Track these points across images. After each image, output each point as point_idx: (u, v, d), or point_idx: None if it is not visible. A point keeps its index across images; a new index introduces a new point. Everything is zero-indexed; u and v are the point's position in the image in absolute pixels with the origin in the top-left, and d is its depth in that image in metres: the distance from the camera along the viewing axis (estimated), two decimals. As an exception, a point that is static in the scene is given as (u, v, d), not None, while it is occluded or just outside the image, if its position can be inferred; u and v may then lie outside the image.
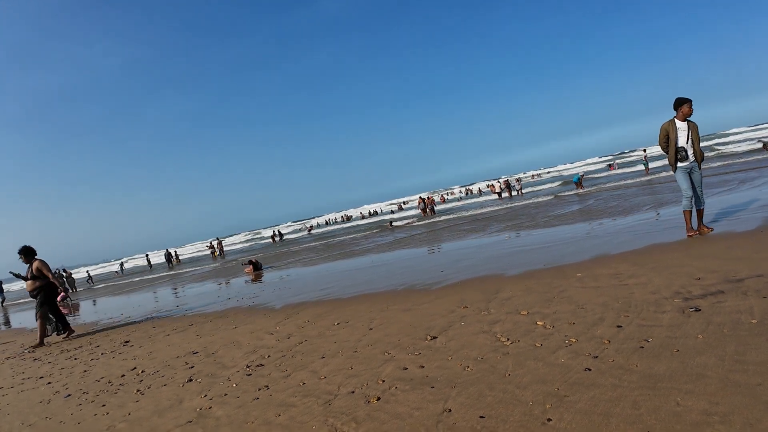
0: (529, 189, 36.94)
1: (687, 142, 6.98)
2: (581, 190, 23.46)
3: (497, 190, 39.61)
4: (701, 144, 8.46)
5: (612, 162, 28.65)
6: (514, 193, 35.49)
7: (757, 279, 4.24)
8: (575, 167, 75.24)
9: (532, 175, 71.00)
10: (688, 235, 6.90)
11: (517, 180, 42.43)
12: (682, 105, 6.92)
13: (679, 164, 7.06)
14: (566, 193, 23.09)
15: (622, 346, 3.35)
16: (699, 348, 3.07)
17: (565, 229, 10.70)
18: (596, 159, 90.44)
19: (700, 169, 7.12)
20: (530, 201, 22.99)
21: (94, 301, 18.42)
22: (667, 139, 7.11)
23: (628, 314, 3.99)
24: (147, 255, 38.90)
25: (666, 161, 35.01)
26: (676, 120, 7.04)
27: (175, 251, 42.96)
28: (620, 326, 3.75)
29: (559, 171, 74.63)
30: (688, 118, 7.00)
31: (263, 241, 57.20)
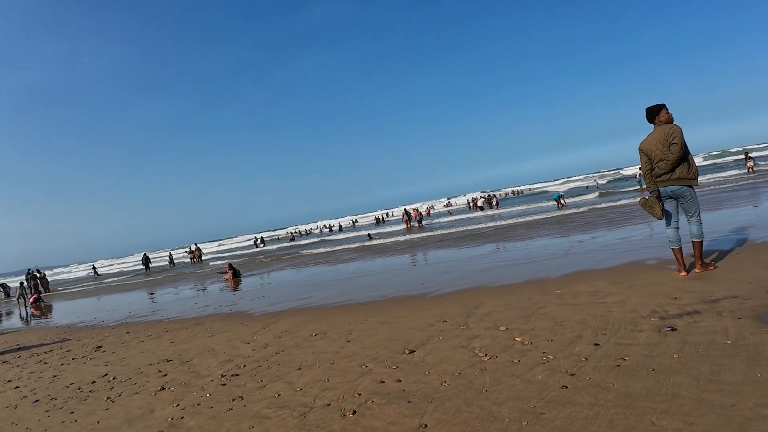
0: (514, 207, 37.21)
1: None
2: (561, 208, 23.71)
3: (480, 204, 39.93)
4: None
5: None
6: (492, 210, 35.75)
7: (732, 300, 4.30)
8: (561, 184, 76.03)
9: (513, 191, 71.54)
10: (701, 269, 5.60)
11: (494, 196, 43.02)
12: (664, 108, 5.58)
13: None
14: (543, 215, 23.31)
15: (599, 364, 3.36)
16: (674, 367, 3.09)
17: (546, 246, 10.77)
18: (581, 176, 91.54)
19: None
20: (514, 219, 23.15)
21: (64, 303, 18.05)
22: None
23: (606, 332, 4.02)
24: (145, 254, 38.14)
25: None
26: None
27: (170, 253, 42.36)
28: (597, 344, 3.76)
29: (544, 187, 75.36)
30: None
31: (243, 245, 56.84)
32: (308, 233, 63.48)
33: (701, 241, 5.55)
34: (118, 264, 71.69)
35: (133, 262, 68.39)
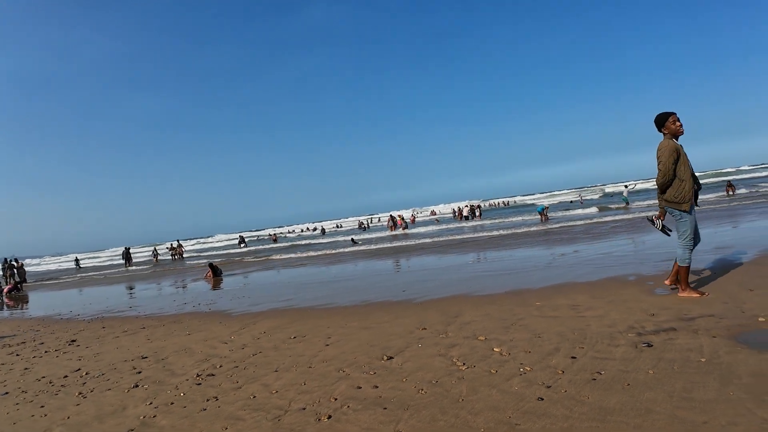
0: (498, 219, 37.42)
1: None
2: (545, 221, 23.88)
3: (465, 213, 40.06)
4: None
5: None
6: (475, 221, 35.89)
7: (708, 318, 4.35)
8: (547, 197, 76.57)
9: (502, 203, 71.94)
10: (696, 293, 5.21)
11: (478, 206, 43.43)
12: (670, 117, 5.10)
13: (692, 202, 5.16)
14: (527, 228, 23.46)
15: (575, 377, 3.38)
16: (649, 383, 3.12)
17: (528, 258, 10.84)
18: (566, 190, 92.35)
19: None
20: (498, 230, 23.28)
21: (41, 295, 17.76)
22: (676, 163, 5.06)
23: (583, 346, 4.04)
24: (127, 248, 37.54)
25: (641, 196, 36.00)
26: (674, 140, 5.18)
27: (155, 248, 41.79)
28: (575, 357, 3.79)
29: (530, 200, 75.85)
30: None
31: (224, 243, 56.28)
32: (290, 234, 63.20)
33: (684, 267, 5.22)
34: (97, 257, 70.59)
35: (112, 255, 67.41)
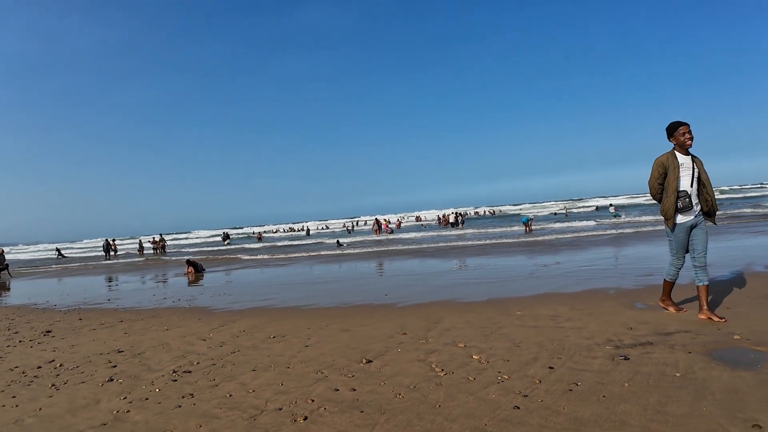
0: (483, 228, 37.58)
1: (692, 185, 4.88)
2: (529, 232, 24.03)
3: (451, 220, 40.22)
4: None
5: None
6: (459, 230, 36.04)
7: (685, 334, 4.41)
8: (531, 207, 77.05)
9: (485, 211, 72.23)
10: (676, 309, 5.25)
11: (463, 214, 43.61)
12: (679, 128, 4.87)
13: (679, 217, 4.92)
14: (511, 238, 23.61)
15: (552, 387, 3.40)
16: (624, 396, 3.15)
17: (511, 267, 10.91)
18: (553, 202, 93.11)
19: (712, 223, 5.15)
20: (482, 240, 23.39)
21: (15, 283, 17.47)
22: (663, 179, 4.96)
23: (561, 356, 4.07)
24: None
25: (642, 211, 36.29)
26: (676, 152, 4.93)
27: (140, 240, 41.27)
28: (552, 367, 3.81)
29: (514, 210, 76.21)
30: (691, 152, 4.96)
31: (209, 240, 55.72)
32: (275, 233, 62.78)
33: (665, 281, 5.26)
34: (71, 248, 69.43)
35: (91, 246, 66.48)
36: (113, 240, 40.28)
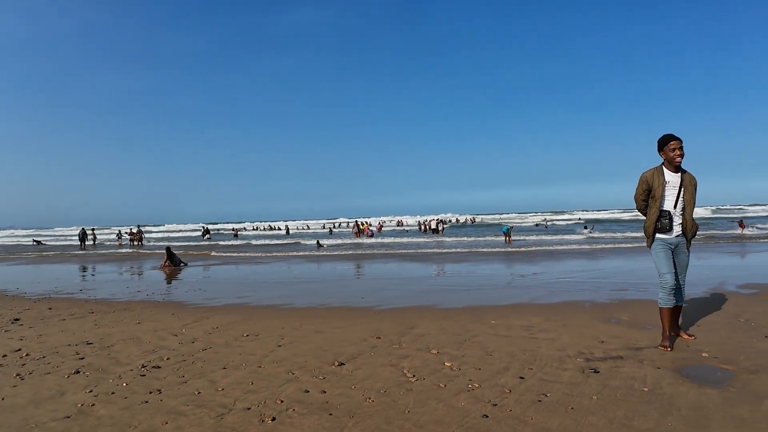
0: (464, 237, 37.73)
1: (675, 206, 4.59)
2: (509, 242, 24.19)
3: (433, 226, 40.33)
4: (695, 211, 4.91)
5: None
6: (439, 237, 36.21)
7: (655, 350, 4.47)
8: (513, 217, 77.63)
9: (467, 219, 72.65)
10: (661, 347, 4.57)
11: (443, 221, 43.91)
12: (669, 143, 4.53)
13: (658, 236, 4.66)
14: (490, 248, 23.75)
15: (521, 397, 3.42)
16: (592, 408, 3.18)
17: (488, 276, 10.98)
18: (534, 213, 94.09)
19: (688, 247, 4.73)
20: (461, 248, 23.49)
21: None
22: (647, 195, 4.72)
23: (532, 367, 4.10)
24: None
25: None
26: (664, 168, 4.64)
27: (120, 231, 40.67)
28: (523, 377, 3.84)
29: (496, 219, 76.68)
30: (682, 168, 4.63)
31: (189, 234, 55.00)
32: (254, 230, 62.28)
33: (660, 309, 4.69)
34: (40, 235, 68.05)
35: (64, 235, 65.24)
36: (92, 229, 39.67)
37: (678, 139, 4.52)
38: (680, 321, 5.05)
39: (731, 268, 10.80)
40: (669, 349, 4.49)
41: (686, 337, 4.81)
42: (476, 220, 72.46)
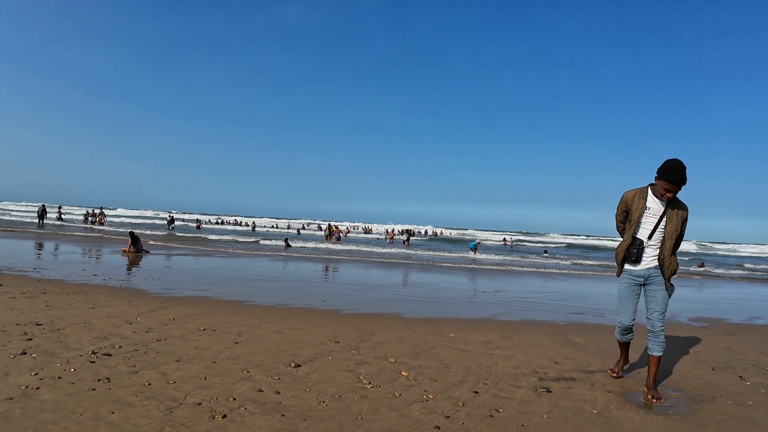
0: (433, 249, 37.88)
1: (651, 237, 4.04)
2: (476, 257, 24.43)
3: (403, 237, 40.47)
4: (680, 247, 4.18)
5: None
6: (404, 248, 36.40)
7: (605, 374, 4.58)
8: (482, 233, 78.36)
9: (434, 232, 73.15)
10: (609, 370, 4.59)
11: (410, 231, 44.27)
12: (666, 182, 3.84)
13: (626, 266, 4.19)
14: (455, 263, 23.92)
15: (474, 411, 3.46)
16: (542, 426, 3.24)
17: (451, 290, 11.06)
18: (500, 232, 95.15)
19: (667, 285, 4.08)
20: (427, 261, 23.59)
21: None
22: (626, 217, 4.20)
23: (487, 382, 4.15)
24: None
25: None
26: (649, 191, 4.08)
27: (88, 211, 39.48)
28: (477, 392, 3.88)
29: (469, 235, 77.36)
30: (676, 197, 4.00)
31: (154, 222, 53.68)
32: (218, 224, 61.15)
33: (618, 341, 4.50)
34: (8, 209, 65.82)
35: (26, 212, 63.10)
36: (59, 207, 38.61)
37: (676, 185, 3.83)
38: (653, 375, 4.08)
39: (683, 302, 11.13)
40: (615, 375, 4.46)
41: (655, 401, 3.90)
42: (442, 233, 72.94)
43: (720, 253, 53.78)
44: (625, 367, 4.67)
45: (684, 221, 4.05)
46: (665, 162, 3.88)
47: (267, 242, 28.58)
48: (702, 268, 24.65)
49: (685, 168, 3.81)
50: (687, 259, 33.85)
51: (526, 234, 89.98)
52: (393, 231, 45.58)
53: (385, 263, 17.65)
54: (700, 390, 4.27)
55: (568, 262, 24.49)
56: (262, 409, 3.28)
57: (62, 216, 37.63)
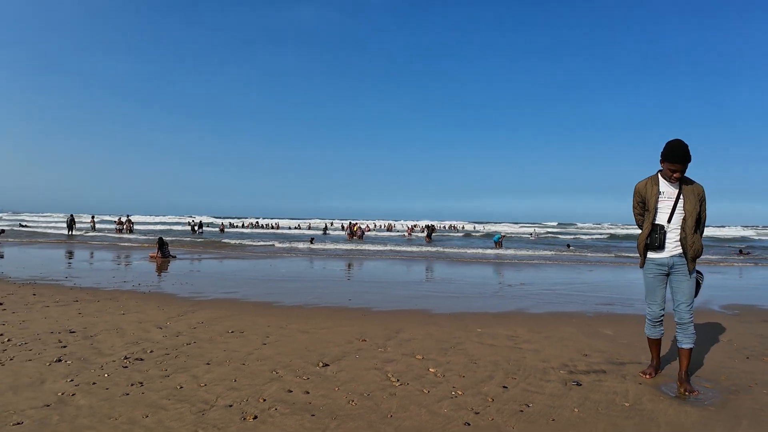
0: (456, 242, 37.76)
1: (670, 219, 3.93)
2: (500, 251, 24.24)
3: (420, 232, 40.39)
4: (705, 229, 4.09)
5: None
6: (426, 245, 36.22)
7: (637, 365, 4.51)
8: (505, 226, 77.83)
9: (449, 226, 72.92)
10: (641, 372, 4.30)
11: (431, 227, 44.17)
12: (669, 162, 3.81)
13: (649, 255, 4.06)
14: (480, 256, 23.76)
15: (503, 406, 3.44)
16: (573, 421, 3.20)
17: (476, 284, 11.00)
18: (529, 224, 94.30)
19: (692, 270, 3.95)
20: (450, 257, 23.48)
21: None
22: (642, 207, 4.12)
23: (516, 377, 4.12)
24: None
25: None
26: (660, 177, 4.02)
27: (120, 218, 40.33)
28: (506, 387, 3.85)
29: (489, 228, 76.84)
30: (689, 179, 3.99)
31: (180, 228, 54.40)
32: (243, 227, 61.59)
33: (647, 338, 4.35)
34: (40, 220, 67.54)
35: (56, 222, 64.56)
36: (92, 217, 39.54)
37: (680, 163, 3.77)
38: (685, 368, 3.95)
39: (715, 289, 10.88)
40: (648, 376, 4.20)
41: (689, 393, 3.79)
42: (464, 227, 72.63)
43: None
44: (658, 369, 4.35)
45: (702, 200, 3.95)
46: (666, 144, 3.86)
47: (290, 245, 28.76)
48: (742, 256, 22.93)
49: (686, 145, 3.78)
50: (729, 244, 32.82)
51: (559, 225, 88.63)
52: (411, 227, 45.43)
53: (407, 259, 17.63)
54: (735, 380, 4.17)
55: (591, 253, 24.13)
56: (291, 410, 3.31)
57: (95, 225, 38.48)
